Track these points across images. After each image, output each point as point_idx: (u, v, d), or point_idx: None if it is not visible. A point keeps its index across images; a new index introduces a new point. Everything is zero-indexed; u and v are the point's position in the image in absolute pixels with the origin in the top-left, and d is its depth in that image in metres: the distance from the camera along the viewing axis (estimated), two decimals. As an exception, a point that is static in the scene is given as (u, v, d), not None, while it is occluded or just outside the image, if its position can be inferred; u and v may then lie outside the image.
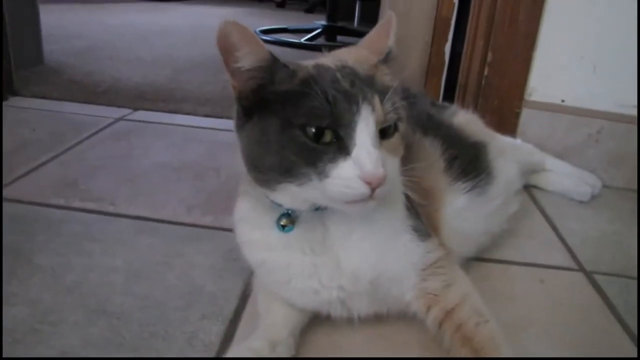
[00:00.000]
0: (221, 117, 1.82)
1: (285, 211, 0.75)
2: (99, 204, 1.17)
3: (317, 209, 0.74)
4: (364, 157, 0.64)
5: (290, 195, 0.70)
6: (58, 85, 2.04)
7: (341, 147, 0.65)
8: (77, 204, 1.16)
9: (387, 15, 0.81)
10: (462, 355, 0.74)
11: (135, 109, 1.87)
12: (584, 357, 0.74)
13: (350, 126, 0.65)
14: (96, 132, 1.61)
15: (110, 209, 1.16)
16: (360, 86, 0.67)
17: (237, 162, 0.75)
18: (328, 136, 0.65)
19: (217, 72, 2.46)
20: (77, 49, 2.72)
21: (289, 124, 0.66)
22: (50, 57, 2.40)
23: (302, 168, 0.66)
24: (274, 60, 0.68)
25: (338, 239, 0.76)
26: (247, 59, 0.67)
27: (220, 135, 1.66)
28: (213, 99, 2.03)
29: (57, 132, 1.57)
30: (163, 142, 1.58)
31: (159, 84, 2.19)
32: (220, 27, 0.65)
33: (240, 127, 0.72)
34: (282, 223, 0.75)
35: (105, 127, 1.66)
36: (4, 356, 0.70)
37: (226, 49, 0.67)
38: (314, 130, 0.65)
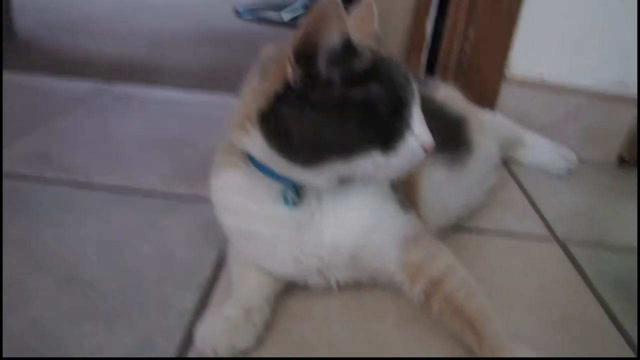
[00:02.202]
0: (199, 91, 1.79)
1: (293, 187, 0.75)
2: (72, 175, 1.15)
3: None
4: (423, 129, 0.72)
5: (329, 172, 0.71)
6: (31, 59, 1.99)
7: (406, 124, 0.71)
8: (49, 175, 1.14)
9: (365, 3, 0.81)
10: (456, 326, 0.75)
11: (111, 83, 1.83)
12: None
13: (410, 105, 0.71)
14: (70, 105, 1.57)
15: (84, 180, 1.14)
16: (403, 66, 0.73)
17: (216, 135, 0.75)
18: (399, 115, 0.70)
19: (196, 47, 2.43)
20: (52, 22, 2.66)
21: (368, 105, 0.67)
22: (23, 30, 2.33)
23: (372, 146, 0.68)
24: (351, 39, 0.67)
25: (327, 212, 0.77)
26: (335, 38, 0.66)
27: (198, 109, 1.64)
28: (191, 73, 2.00)
29: (30, 105, 1.54)
30: (139, 116, 1.55)
31: (136, 58, 2.15)
32: (321, 3, 0.63)
33: (291, 108, 0.67)
34: (291, 199, 0.75)
35: (79, 100, 1.62)
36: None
37: (319, 26, 0.64)
38: (389, 110, 0.69)
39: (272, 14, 3.28)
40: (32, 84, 1.74)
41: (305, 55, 0.66)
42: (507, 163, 1.46)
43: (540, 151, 1.46)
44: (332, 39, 0.65)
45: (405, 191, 0.85)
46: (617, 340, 0.83)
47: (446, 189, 0.97)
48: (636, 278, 1.00)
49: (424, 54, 1.76)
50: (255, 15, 3.27)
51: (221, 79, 1.90)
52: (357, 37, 0.70)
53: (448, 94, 1.21)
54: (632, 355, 0.81)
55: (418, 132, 0.71)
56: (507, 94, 1.56)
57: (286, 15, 3.32)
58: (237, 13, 3.34)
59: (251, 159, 0.75)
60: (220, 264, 0.89)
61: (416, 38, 1.75)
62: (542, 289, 0.94)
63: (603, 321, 0.87)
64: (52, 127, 1.40)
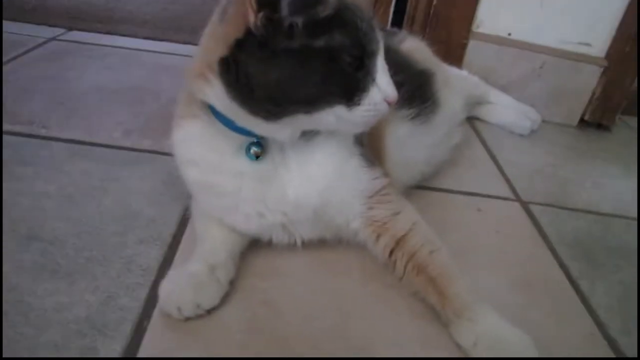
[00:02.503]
0: (162, 40, 1.73)
1: (255, 140, 0.73)
2: (29, 127, 1.11)
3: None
4: (387, 81, 0.70)
5: (292, 125, 0.70)
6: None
7: (369, 75, 0.68)
8: (6, 127, 1.09)
9: None
10: (418, 283, 0.76)
11: (70, 29, 1.75)
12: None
13: (374, 54, 0.69)
14: (26, 52, 1.50)
15: (42, 132, 1.10)
16: (368, 14, 0.70)
17: (178, 85, 0.72)
18: (362, 66, 0.67)
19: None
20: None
21: (331, 54, 0.65)
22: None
23: (334, 97, 0.66)
24: None
25: (291, 167, 0.76)
26: None
27: (161, 59, 1.59)
28: (154, 20, 1.93)
29: (-19, 51, 1.46)
30: (100, 64, 1.49)
31: (96, 4, 2.06)
32: None
33: (252, 56, 0.64)
34: (254, 152, 0.73)
35: (36, 47, 1.55)
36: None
37: None
38: (353, 60, 0.66)
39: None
40: (-17, 28, 1.66)
41: (267, 0, 0.63)
42: (471, 121, 1.46)
43: (505, 110, 1.47)
44: None
45: (370, 146, 0.84)
46: (574, 300, 0.86)
47: (411, 144, 0.97)
48: (595, 239, 1.03)
49: (392, 6, 1.74)
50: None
51: (183, 26, 1.84)
52: None
53: (415, 46, 1.19)
54: (586, 315, 0.83)
55: (382, 84, 0.69)
56: (473, 50, 1.56)
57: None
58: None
59: (213, 110, 0.72)
60: (184, 220, 0.88)
61: (384, -11, 1.71)
62: (504, 248, 0.96)
63: (561, 281, 0.90)
64: (7, 75, 1.34)
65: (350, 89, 0.67)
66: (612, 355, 0.77)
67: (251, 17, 0.63)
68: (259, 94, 0.65)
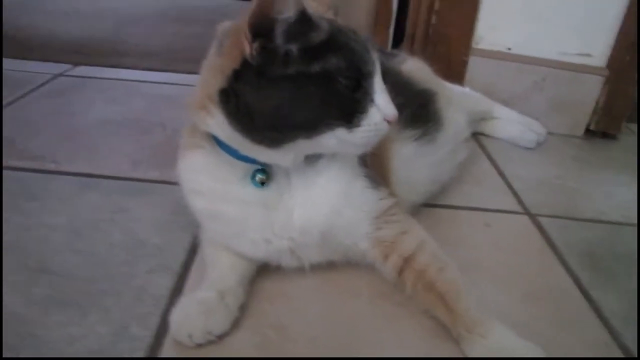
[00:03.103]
0: (166, 71, 1.76)
1: (260, 167, 0.74)
2: (38, 162, 1.12)
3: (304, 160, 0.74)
4: (385, 101, 0.70)
5: (294, 150, 0.70)
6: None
7: (367, 96, 0.69)
8: (14, 163, 1.11)
9: None
10: (428, 301, 0.76)
11: (75, 65, 1.78)
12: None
13: (371, 75, 0.69)
14: (33, 90, 1.53)
15: (51, 166, 1.11)
16: (362, 36, 0.70)
17: (183, 116, 0.74)
18: (360, 88, 0.68)
19: (162, 25, 2.38)
20: (10, 2, 2.56)
21: (328, 78, 0.66)
22: (-21, 10, 2.25)
23: (334, 121, 0.67)
24: (306, 10, 0.65)
25: (296, 191, 0.76)
26: (290, 10, 0.63)
27: (165, 89, 1.61)
28: (157, 52, 1.96)
29: (-9, 89, 1.49)
30: (105, 98, 1.51)
31: (100, 38, 2.09)
32: None
33: (249, 85, 0.66)
34: (259, 179, 0.74)
35: (43, 84, 1.58)
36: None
37: None
38: (349, 82, 0.67)
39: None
40: (-8, 67, 1.69)
41: (261, 30, 0.64)
42: (476, 137, 1.47)
43: (510, 124, 1.47)
44: (286, 11, 0.63)
45: (375, 167, 0.85)
46: (587, 311, 0.85)
47: (416, 163, 0.97)
48: (605, 249, 1.02)
49: (391, 27, 1.76)
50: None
51: (187, 57, 1.86)
52: (312, 7, 0.68)
53: (415, 67, 1.20)
54: (599, 325, 0.82)
55: (380, 104, 0.69)
56: (474, 66, 1.57)
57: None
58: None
59: (216, 140, 0.73)
60: (194, 248, 0.89)
61: (383, 10, 1.74)
62: (513, 261, 0.95)
63: (573, 292, 0.89)
64: (16, 112, 1.37)
65: (349, 111, 0.68)
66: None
67: (246, 48, 0.64)
68: (259, 122, 0.66)
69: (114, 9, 2.60)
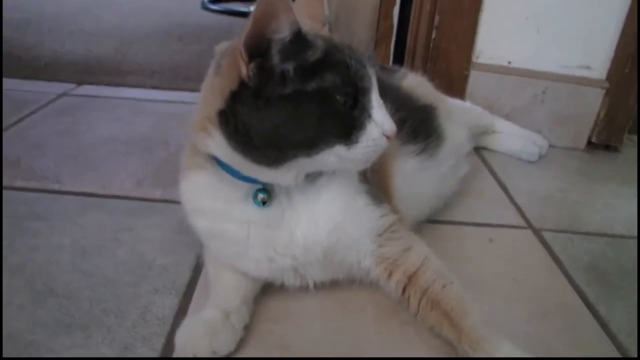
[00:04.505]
0: (170, 89, 1.77)
1: (261, 187, 0.74)
2: (43, 182, 1.13)
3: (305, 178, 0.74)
4: (383, 116, 0.70)
5: (294, 169, 0.71)
6: (-4, 61, 1.94)
7: (365, 112, 0.69)
8: (19, 183, 1.12)
9: None
10: (433, 318, 0.76)
11: (80, 84, 1.80)
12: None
13: (368, 91, 0.70)
14: (38, 109, 1.54)
15: (55, 186, 1.12)
16: (358, 52, 0.70)
17: (185, 134, 0.74)
18: (357, 103, 0.68)
19: (165, 43, 2.39)
20: (15, 22, 2.59)
21: (325, 96, 0.66)
22: (-15, 31, 2.27)
23: (332, 138, 0.67)
24: (301, 29, 0.65)
25: (298, 210, 0.76)
26: (285, 29, 0.64)
27: (169, 107, 1.62)
28: (161, 70, 1.98)
29: (-4, 110, 1.50)
30: (109, 117, 1.53)
31: (105, 57, 2.11)
32: None
33: (247, 106, 0.66)
34: (260, 198, 0.74)
35: (47, 104, 1.59)
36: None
37: (267, 18, 0.63)
38: (346, 99, 0.67)
39: (239, 6, 3.25)
40: (-3, 87, 1.71)
41: (256, 50, 0.64)
42: (478, 151, 1.47)
43: (511, 138, 1.48)
44: (281, 31, 0.64)
45: (377, 183, 0.85)
46: (593, 326, 0.85)
47: (418, 179, 0.98)
48: (609, 262, 1.02)
49: (392, 42, 1.77)
50: (224, 8, 3.23)
51: (190, 75, 1.88)
52: (307, 25, 0.69)
53: (416, 82, 1.21)
54: (607, 341, 0.82)
55: (378, 119, 0.69)
56: (475, 80, 1.58)
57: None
58: (205, 7, 3.30)
59: (217, 161, 0.74)
60: (198, 267, 0.89)
61: (384, 27, 1.75)
62: (518, 277, 0.95)
63: (579, 308, 0.89)
64: (21, 132, 1.38)
65: (347, 127, 0.68)
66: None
67: (243, 69, 0.65)
68: (258, 142, 0.67)
69: (117, 28, 2.63)
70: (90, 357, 0.70)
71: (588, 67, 1.55)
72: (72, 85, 1.77)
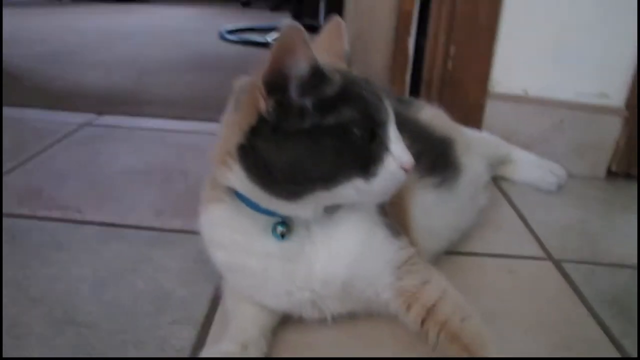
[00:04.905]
0: (188, 119, 1.80)
1: (280, 220, 0.74)
2: (64, 212, 1.15)
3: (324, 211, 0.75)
4: (401, 149, 0.71)
5: (313, 202, 0.71)
6: (19, 92, 1.99)
7: (383, 145, 0.70)
8: (42, 213, 1.14)
9: (334, 20, 0.83)
10: (452, 352, 0.75)
11: (100, 114, 1.84)
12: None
13: (385, 124, 0.70)
14: (60, 139, 1.57)
15: (77, 216, 1.14)
16: (374, 85, 0.72)
17: (205, 165, 0.74)
18: (375, 137, 0.69)
19: (183, 73, 2.44)
20: (39, 53, 2.67)
21: (343, 130, 0.67)
22: (10, 62, 2.34)
23: (351, 171, 0.68)
24: (319, 65, 0.66)
25: (317, 243, 0.76)
26: (303, 65, 0.65)
27: (187, 138, 1.64)
28: (180, 100, 2.01)
29: (20, 141, 1.54)
30: (129, 147, 1.55)
31: (124, 87, 2.16)
32: (284, 31, 0.63)
33: (266, 141, 0.67)
34: (280, 231, 0.74)
35: (69, 134, 1.62)
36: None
37: (286, 54, 0.64)
38: (364, 133, 0.68)
39: (256, 37, 3.31)
40: (21, 118, 1.75)
41: (275, 86, 0.66)
42: (496, 181, 1.47)
43: (529, 167, 1.47)
44: (300, 67, 0.65)
45: (395, 216, 0.85)
46: (618, 361, 0.83)
47: (437, 211, 0.97)
48: (633, 294, 1.00)
49: (408, 73, 1.78)
50: (241, 39, 3.29)
51: (208, 104, 1.91)
52: (325, 60, 0.70)
53: (432, 114, 1.21)
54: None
55: (396, 152, 0.70)
56: (492, 110, 1.58)
57: (272, 38, 3.34)
58: (223, 37, 3.36)
59: (237, 193, 0.74)
60: (216, 299, 0.89)
61: (399, 57, 1.76)
62: (539, 310, 0.94)
63: (603, 342, 0.87)
64: (43, 162, 1.41)
65: (365, 161, 0.68)
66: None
67: (262, 104, 0.66)
68: (277, 176, 0.67)
69: (136, 59, 2.69)
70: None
71: (606, 96, 1.55)
72: (93, 116, 1.81)
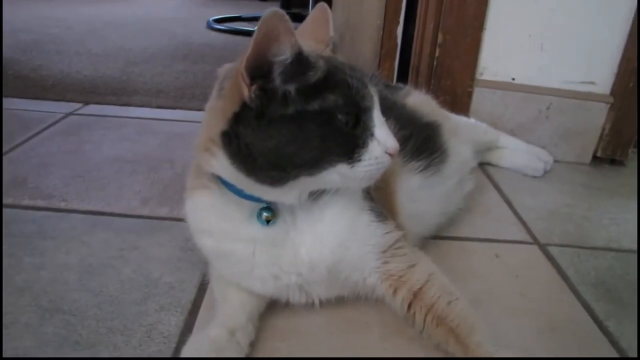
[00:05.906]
0: (175, 108, 1.79)
1: (265, 205, 0.74)
2: (49, 201, 1.14)
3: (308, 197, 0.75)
4: (385, 134, 0.70)
5: (297, 188, 0.71)
6: (4, 82, 1.96)
7: (367, 130, 0.69)
8: (27, 202, 1.13)
9: (320, 7, 0.82)
10: (438, 335, 0.76)
11: (86, 103, 1.82)
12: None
13: (369, 109, 0.70)
14: (45, 128, 1.56)
15: (62, 205, 1.13)
16: (359, 71, 0.71)
17: (191, 153, 0.74)
18: (359, 122, 0.69)
19: (171, 63, 2.42)
20: (23, 43, 2.63)
21: (327, 116, 0.67)
22: (-6, 53, 2.31)
23: (335, 157, 0.67)
24: (302, 51, 0.66)
25: (303, 228, 0.76)
26: (287, 51, 0.64)
27: (175, 127, 1.63)
28: (166, 90, 1.99)
29: (4, 130, 1.52)
30: (115, 136, 1.54)
31: (111, 77, 2.14)
32: (266, 17, 0.62)
33: (250, 127, 0.66)
34: (265, 217, 0.74)
35: (54, 123, 1.61)
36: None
37: (268, 41, 0.63)
38: (348, 118, 0.67)
39: (244, 26, 3.29)
40: (6, 107, 1.72)
41: (258, 72, 0.65)
42: (483, 167, 1.47)
43: (516, 153, 1.48)
44: (283, 53, 0.65)
45: (381, 200, 0.85)
46: (603, 343, 0.84)
47: (423, 195, 0.98)
48: (617, 277, 1.02)
49: (396, 60, 1.78)
50: (228, 27, 3.27)
51: (196, 94, 1.90)
52: (309, 46, 0.69)
53: (420, 100, 1.22)
54: (617, 357, 0.81)
55: (380, 137, 0.70)
56: (479, 97, 1.58)
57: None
58: (211, 26, 3.34)
59: (222, 180, 0.74)
60: (203, 285, 0.89)
61: (388, 46, 1.76)
62: (525, 293, 0.95)
63: (587, 324, 0.88)
64: (28, 151, 1.39)
65: (349, 146, 0.68)
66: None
67: (245, 91, 0.65)
68: (261, 162, 0.67)
69: (123, 49, 2.66)
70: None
71: (592, 83, 1.56)
72: (78, 105, 1.79)
